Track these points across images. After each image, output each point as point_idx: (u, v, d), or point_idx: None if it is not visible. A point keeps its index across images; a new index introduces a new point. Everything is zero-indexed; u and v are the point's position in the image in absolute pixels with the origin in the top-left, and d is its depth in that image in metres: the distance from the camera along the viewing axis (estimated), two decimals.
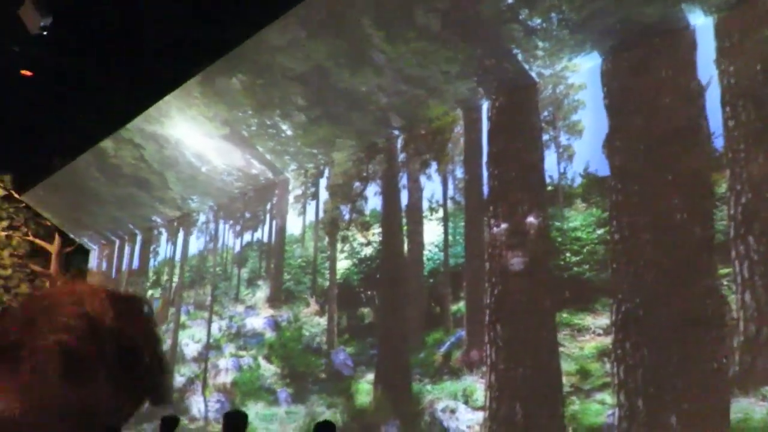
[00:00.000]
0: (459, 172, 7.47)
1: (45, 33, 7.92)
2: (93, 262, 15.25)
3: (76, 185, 12.21)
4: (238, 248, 10.57)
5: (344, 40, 6.74)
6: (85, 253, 15.62)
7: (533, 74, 6.56)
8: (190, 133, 9.40)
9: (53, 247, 16.76)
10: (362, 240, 8.54)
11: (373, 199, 8.49)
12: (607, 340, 6.01)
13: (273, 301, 9.61)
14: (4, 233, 16.04)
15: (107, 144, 10.46)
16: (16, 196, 15.38)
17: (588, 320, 6.29)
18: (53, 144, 11.58)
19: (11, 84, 10.05)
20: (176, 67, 8.31)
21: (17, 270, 15.98)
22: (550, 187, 6.60)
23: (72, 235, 15.55)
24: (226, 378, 9.98)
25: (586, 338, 6.33)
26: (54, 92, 10.33)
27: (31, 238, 16.43)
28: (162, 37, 7.99)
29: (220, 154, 9.62)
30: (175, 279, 11.93)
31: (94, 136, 10.44)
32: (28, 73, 9.63)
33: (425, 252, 7.75)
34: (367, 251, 8.47)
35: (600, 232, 6.22)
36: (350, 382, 8.26)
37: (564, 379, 6.26)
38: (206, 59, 7.93)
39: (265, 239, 10.08)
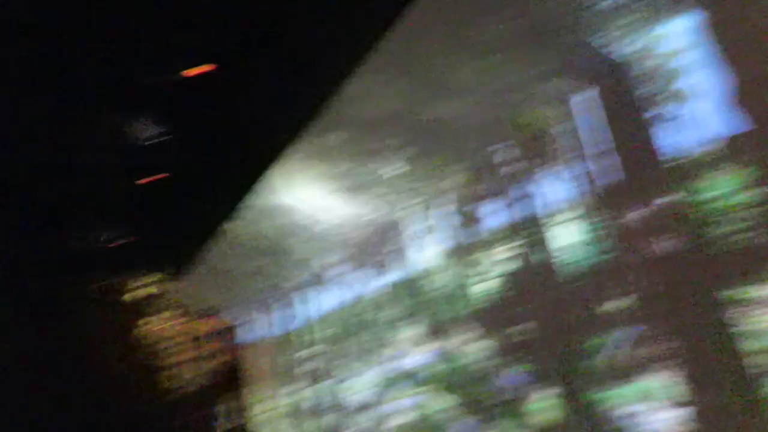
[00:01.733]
0: (574, 169, 7.12)
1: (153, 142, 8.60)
2: (242, 335, 16.08)
3: (214, 269, 13.00)
4: (374, 294, 10.71)
5: (421, 75, 6.71)
6: (236, 328, 16.51)
7: (618, 54, 6.16)
8: (300, 197, 9.72)
9: (207, 329, 17.92)
10: (493, 259, 8.34)
11: (493, 217, 8.30)
12: None
13: (427, 336, 9.59)
14: (166, 324, 17.40)
15: (231, 226, 11.06)
16: (166, 289, 16.67)
17: (756, 292, 5.68)
18: (186, 238, 12.45)
19: (134, 192, 10.96)
20: (274, 138, 8.67)
21: (181, 355, 17.23)
22: (673, 163, 6.10)
23: (220, 315, 16.55)
24: (399, 420, 10.03)
25: (759, 312, 5.72)
26: (175, 189, 11.15)
27: (186, 326, 17.68)
28: (252, 113, 8.40)
29: (331, 209, 9.86)
30: (318, 336, 12.26)
31: (219, 222, 11.08)
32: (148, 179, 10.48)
33: (562, 256, 7.42)
34: (502, 268, 8.25)
35: (746, 195, 5.64)
36: (524, 402, 8.01)
37: (747, 361, 5.67)
38: (300, 126, 8.19)
39: (399, 279, 10.13)
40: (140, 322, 17.55)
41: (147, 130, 8.80)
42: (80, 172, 9.46)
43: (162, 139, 9.05)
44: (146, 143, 9.08)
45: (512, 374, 8.14)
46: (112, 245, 13.48)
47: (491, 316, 8.41)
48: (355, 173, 8.87)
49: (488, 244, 8.33)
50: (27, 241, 12.06)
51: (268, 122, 8.95)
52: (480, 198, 8.46)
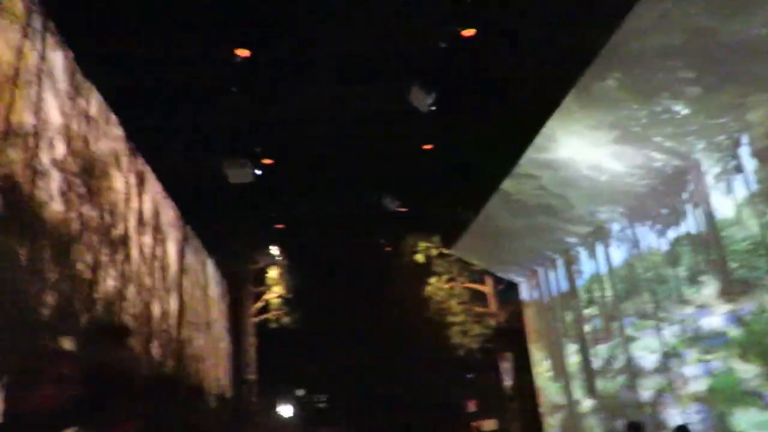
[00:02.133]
0: None
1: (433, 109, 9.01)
2: (524, 293, 16.19)
3: (491, 229, 13.28)
4: (665, 247, 9.86)
5: None
6: (514, 286, 16.74)
7: None
8: (580, 147, 9.33)
9: (487, 288, 18.50)
10: None
11: None
12: None
13: (727, 294, 8.56)
14: (447, 285, 18.43)
15: (507, 185, 11.14)
16: (447, 252, 17.59)
17: None
18: (464, 199, 12.93)
19: (416, 161, 11.65)
20: (549, 89, 8.44)
21: (465, 314, 18.10)
22: None
23: (499, 273, 16.89)
24: (697, 386, 9.19)
25: None
26: (450, 154, 11.60)
27: (467, 284, 18.48)
28: (528, 64, 8.27)
29: (615, 158, 9.27)
30: (608, 293, 11.73)
31: (495, 182, 11.26)
32: (428, 147, 11.08)
33: None
34: None
35: None
36: None
37: None
38: (576, 72, 7.83)
39: (694, 231, 9.15)
40: (425, 281, 18.86)
41: (422, 97, 9.23)
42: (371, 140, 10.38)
43: (434, 105, 9.43)
44: (420, 110, 9.52)
45: None
46: (397, 210, 14.62)
47: None
48: (642, 115, 8.18)
49: None
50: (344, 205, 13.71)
51: (539, 73, 8.73)
52: None
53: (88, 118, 7.29)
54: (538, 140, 9.46)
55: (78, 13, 6.15)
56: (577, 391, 13.16)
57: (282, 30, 7.05)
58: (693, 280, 9.25)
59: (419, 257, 18.60)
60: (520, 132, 9.56)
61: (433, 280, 18.72)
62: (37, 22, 5.84)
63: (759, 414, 7.90)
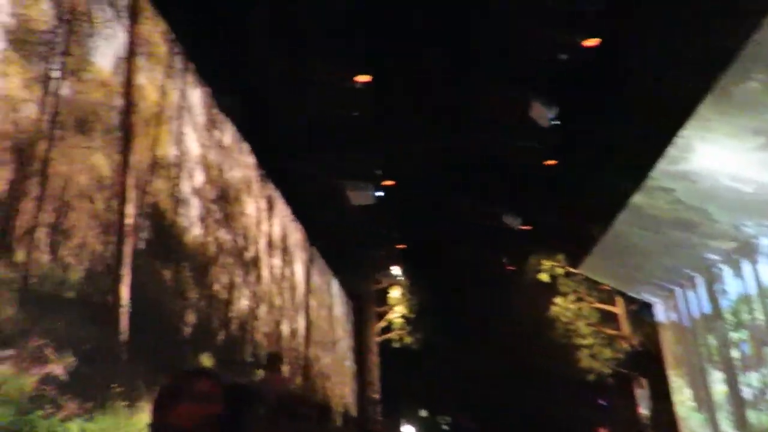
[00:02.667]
0: None
1: (555, 123, 8.76)
2: (660, 315, 15.14)
3: (621, 246, 12.58)
4: None
5: None
6: (648, 307, 15.70)
7: None
8: (720, 157, 8.62)
9: (618, 309, 17.50)
10: None
11: None
12: None
13: None
14: (574, 305, 17.67)
15: (637, 199, 10.52)
16: (574, 271, 16.89)
17: None
18: (591, 216, 12.38)
19: (546, 176, 11.34)
20: (682, 96, 7.91)
21: (594, 336, 17.21)
22: None
23: (631, 293, 15.93)
24: None
25: None
26: (578, 170, 11.19)
27: (596, 305, 17.60)
28: (660, 69, 7.81)
29: (762, 166, 8.46)
30: (759, 315, 10.67)
31: (624, 196, 10.68)
32: (551, 162, 10.76)
33: None
34: None
35: None
36: None
37: None
38: (712, 75, 7.28)
39: None
40: (550, 300, 18.20)
41: (545, 111, 9.00)
42: (497, 154, 10.26)
43: (557, 120, 9.15)
44: (546, 125, 9.28)
45: None
46: (521, 227, 14.30)
47: None
48: None
49: None
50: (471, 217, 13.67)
51: (670, 80, 8.22)
52: None
53: (222, 147, 7.82)
54: (671, 151, 8.86)
55: (214, 52, 6.64)
56: (725, 423, 12.03)
57: (400, 53, 7.18)
58: None
59: (544, 276, 18.02)
60: (651, 143, 9.01)
61: (559, 300, 18.03)
62: (178, 63, 6.38)
63: None
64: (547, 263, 17.95)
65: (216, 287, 7.49)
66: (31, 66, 3.95)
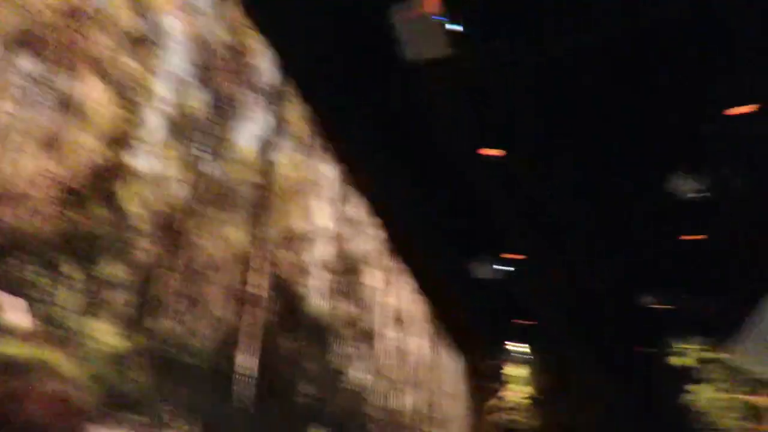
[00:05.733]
0: None
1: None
2: None
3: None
4: None
5: None
6: None
7: None
8: None
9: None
10: None
11: None
12: None
13: None
14: (721, 396, 15.87)
15: None
16: (718, 356, 15.26)
17: None
18: (737, 295, 11.22)
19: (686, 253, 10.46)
20: None
21: None
22: None
23: None
24: None
25: None
26: (722, 246, 10.23)
27: (746, 397, 15.70)
28: None
29: None
30: None
31: None
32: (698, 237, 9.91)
33: None
34: None
35: None
36: None
37: None
38: None
39: None
40: (687, 389, 16.46)
41: (688, 184, 8.38)
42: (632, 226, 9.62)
43: (704, 194, 8.47)
44: (688, 198, 8.62)
45: None
46: (656, 308, 13.20)
47: None
48: None
49: None
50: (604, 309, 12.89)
51: None
52: None
53: (351, 222, 7.98)
54: None
55: (346, 131, 6.85)
56: None
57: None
58: None
59: (687, 360, 16.40)
60: None
61: (700, 388, 16.26)
62: (317, 143, 6.66)
63: None
64: (688, 347, 16.39)
65: (333, 358, 7.49)
66: (185, 149, 4.24)
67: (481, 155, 7.47)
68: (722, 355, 14.64)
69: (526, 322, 14.94)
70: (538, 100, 6.37)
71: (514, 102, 6.46)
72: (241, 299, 4.94)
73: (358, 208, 8.12)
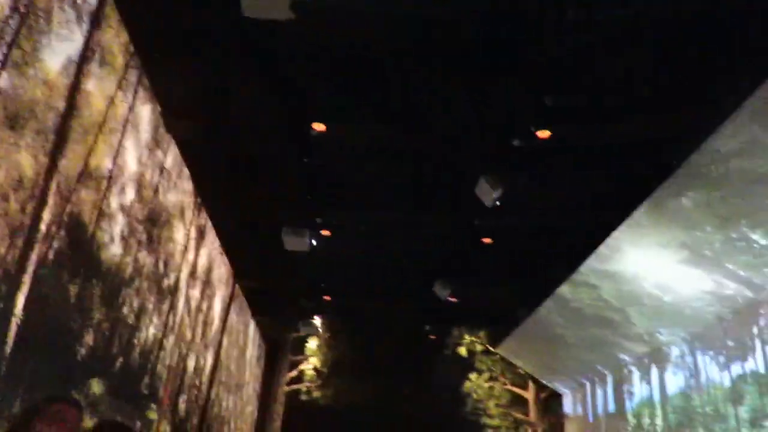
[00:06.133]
0: None
1: (499, 204, 8.88)
2: (567, 406, 15.32)
3: (541, 333, 12.76)
4: (728, 383, 9.17)
5: None
6: (558, 397, 15.88)
7: None
8: (646, 263, 8.95)
9: (529, 394, 17.63)
10: None
11: None
12: None
13: None
14: (487, 384, 17.69)
15: (564, 290, 10.76)
16: (492, 349, 16.98)
17: None
18: (517, 298, 12.55)
19: (479, 252, 11.45)
20: (621, 199, 8.22)
21: (503, 419, 17.20)
22: None
23: (544, 381, 16.10)
24: None
25: None
26: (512, 252, 11.36)
27: (509, 386, 17.68)
28: (603, 170, 8.11)
29: (683, 279, 8.83)
30: (659, 422, 10.93)
31: (552, 284, 10.91)
32: (488, 240, 10.87)
33: None
34: None
35: None
36: None
37: None
38: (652, 184, 7.61)
39: (762, 370, 8.49)
40: (466, 376, 18.18)
41: (489, 192, 9.13)
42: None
43: (499, 200, 9.30)
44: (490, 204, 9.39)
45: None
46: (446, 301, 14.29)
47: None
48: (716, 239, 7.81)
49: None
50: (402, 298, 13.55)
51: (611, 181, 8.54)
52: None
53: (162, 170, 7.53)
54: (603, 249, 9.16)
55: (169, 70, 6.45)
56: None
57: (360, 104, 7.18)
58: (755, 423, 8.50)
59: (462, 351, 18.03)
60: (585, 238, 9.28)
61: (473, 376, 18.02)
62: (132, 76, 6.15)
63: None
64: (467, 338, 18.00)
65: (125, 310, 7.05)
66: None
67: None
68: (495, 349, 16.35)
69: (326, 297, 15.36)
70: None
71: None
72: (27, 237, 4.45)
73: (170, 157, 7.68)
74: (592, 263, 9.64)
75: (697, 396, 9.87)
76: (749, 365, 8.76)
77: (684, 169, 7.15)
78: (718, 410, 9.31)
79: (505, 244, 10.91)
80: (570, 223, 9.48)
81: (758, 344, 8.57)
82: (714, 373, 9.52)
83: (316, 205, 9.86)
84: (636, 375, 11.88)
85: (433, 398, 20.77)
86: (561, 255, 10.01)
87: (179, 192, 8.46)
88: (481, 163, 8.29)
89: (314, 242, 10.38)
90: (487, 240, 10.92)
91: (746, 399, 8.77)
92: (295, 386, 19.50)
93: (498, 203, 8.85)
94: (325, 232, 10.70)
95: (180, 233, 8.79)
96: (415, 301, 14.83)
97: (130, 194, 6.63)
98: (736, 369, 9.04)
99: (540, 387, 16.98)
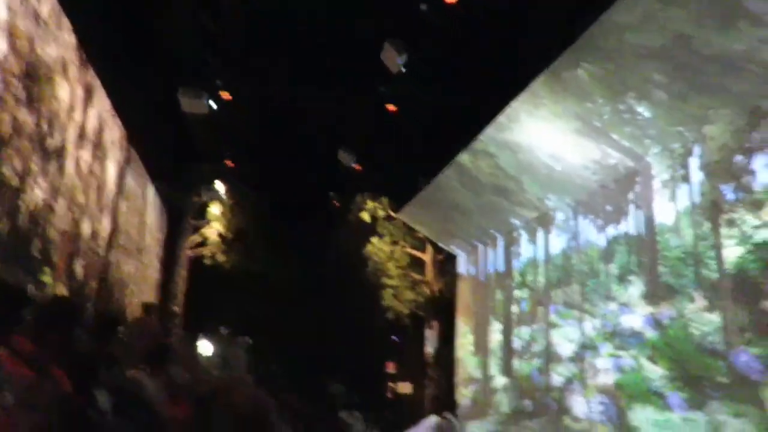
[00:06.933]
0: None
1: (404, 71, 8.84)
2: (461, 267, 16.41)
3: (440, 199, 13.31)
4: (603, 243, 10.11)
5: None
6: (453, 259, 16.94)
7: None
8: (542, 133, 9.36)
9: (427, 257, 18.69)
10: (756, 222, 7.27)
11: (765, 173, 7.16)
12: None
13: (650, 297, 8.87)
14: (388, 248, 18.52)
15: (464, 158, 11.13)
16: (393, 215, 17.62)
17: None
18: (419, 166, 12.88)
19: (379, 120, 11.51)
20: (520, 70, 8.39)
21: (402, 280, 18.28)
22: None
23: (441, 244, 17.05)
24: (606, 379, 9.57)
25: None
26: (412, 119, 11.50)
27: (409, 250, 18.63)
28: (505, 41, 8.18)
29: (573, 149, 9.35)
30: (541, 279, 12.01)
31: (452, 153, 11.23)
32: (392, 108, 10.91)
33: None
34: (764, 234, 7.17)
35: None
36: (759, 388, 7.06)
37: None
38: (550, 55, 7.78)
39: (632, 232, 9.40)
40: (368, 240, 18.89)
41: (394, 57, 9.03)
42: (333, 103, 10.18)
43: (405, 66, 9.24)
44: (394, 73, 9.33)
45: (747, 355, 7.19)
46: (350, 167, 14.46)
47: (737, 287, 7.42)
48: (605, 111, 8.24)
49: (756, 203, 7.25)
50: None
51: (512, 51, 8.66)
52: (749, 150, 7.34)
53: (38, 19, 6.79)
54: (501, 118, 9.44)
55: None
56: (494, 368, 13.54)
57: None
58: (622, 278, 9.54)
59: (365, 216, 18.56)
60: (485, 107, 9.50)
61: (375, 240, 18.75)
62: None
63: (656, 413, 8.32)
64: (371, 204, 18.49)
65: (5, 170, 6.63)
66: None
67: None
68: (397, 215, 16.99)
69: (228, 163, 15.11)
70: None
71: None
72: None
73: (46, 5, 6.91)
74: (491, 132, 9.95)
75: (576, 255, 10.84)
76: (622, 228, 9.65)
77: (582, 41, 7.33)
78: (593, 267, 10.31)
79: (408, 112, 10.99)
80: (471, 93, 9.63)
81: (631, 209, 9.41)
82: (592, 235, 10.42)
83: (216, 67, 9.39)
84: (524, 237, 12.80)
85: (336, 262, 21.55)
86: (462, 124, 10.25)
87: (60, 45, 7.74)
88: (387, 29, 8.10)
89: (213, 105, 9.98)
90: (391, 108, 10.96)
91: (616, 257, 9.75)
92: (199, 250, 19.55)
93: (403, 69, 8.82)
94: (226, 95, 10.30)
95: (64, 91, 8.16)
96: (319, 167, 14.91)
97: (1, 45, 6.00)
98: (610, 231, 9.94)
99: (437, 250, 18.00)
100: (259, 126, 12.26)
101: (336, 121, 11.90)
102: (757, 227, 7.24)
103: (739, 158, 7.45)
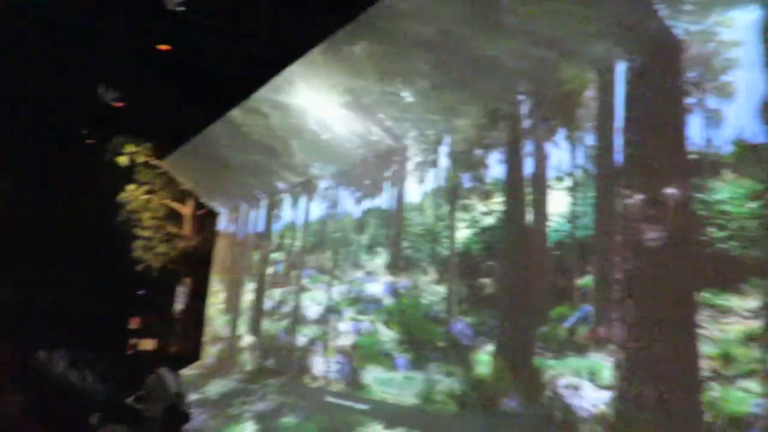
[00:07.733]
0: (590, 139, 7.05)
1: (182, 9, 8.32)
2: (222, 224, 16.16)
3: (209, 153, 12.91)
4: (358, 214, 10.75)
5: (475, 2, 6.50)
6: (215, 215, 16.58)
7: (679, 31, 6.00)
8: (314, 101, 9.57)
9: (187, 210, 17.97)
10: (483, 209, 8.36)
11: (496, 167, 8.26)
12: (756, 324, 5.49)
13: (392, 268, 9.71)
14: (144, 197, 17.40)
15: (236, 114, 10.91)
16: (155, 162, 16.58)
17: (734, 301, 5.78)
18: (187, 114, 12.27)
19: (149, 59, 10.70)
20: (301, 35, 8.44)
21: (156, 232, 17.33)
22: (694, 156, 6.06)
23: (204, 199, 16.55)
24: (345, 341, 10.27)
25: (731, 321, 5.83)
26: (187, 65, 10.90)
27: (167, 202, 17.71)
28: (288, 5, 8.16)
29: (341, 121, 9.74)
30: (297, 243, 12.37)
31: (224, 107, 10.92)
32: (165, 47, 10.20)
33: (551, 223, 7.45)
34: (489, 221, 8.28)
35: (752, 205, 5.65)
36: (469, 352, 8.20)
37: (703, 363, 5.82)
38: (331, 27, 7.96)
39: (385, 206, 10.15)
40: (125, 186, 17.52)
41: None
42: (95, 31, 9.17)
43: (184, 10, 8.74)
44: (169, 11, 8.76)
45: (463, 323, 8.31)
46: (114, 106, 13.22)
47: (462, 264, 8.50)
48: (374, 90, 8.72)
49: (486, 193, 8.33)
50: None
51: (296, 17, 8.69)
52: (487, 146, 8.40)
53: None
54: (278, 80, 9.43)
55: None
56: (242, 327, 13.67)
57: None
58: (370, 249, 10.28)
59: (122, 160, 17.16)
60: (262, 66, 9.39)
61: (131, 187, 17.46)
62: None
63: (384, 372, 9.21)
64: (129, 147, 17.15)
65: None
66: None
67: None
68: (160, 163, 16.02)
69: None
70: None
71: None
72: None
73: None
74: (266, 92, 9.90)
75: (332, 223, 11.38)
76: (377, 202, 10.36)
77: (361, 19, 7.63)
78: (346, 236, 10.92)
79: (183, 57, 10.41)
80: (251, 49, 9.45)
81: (387, 185, 10.15)
82: (349, 205, 11.02)
83: None
84: (287, 201, 13.05)
85: (85, 205, 19.64)
86: (238, 79, 10.01)
87: None
88: None
89: None
90: (163, 47, 10.25)
91: (368, 229, 10.46)
92: None
93: (181, 8, 8.32)
94: None
95: None
96: (74, 101, 13.38)
97: None
98: (366, 204, 10.61)
99: (198, 205, 17.41)
100: (10, 51, 10.57)
101: (99, 52, 10.75)
102: (484, 214, 8.33)
103: (479, 152, 8.48)
